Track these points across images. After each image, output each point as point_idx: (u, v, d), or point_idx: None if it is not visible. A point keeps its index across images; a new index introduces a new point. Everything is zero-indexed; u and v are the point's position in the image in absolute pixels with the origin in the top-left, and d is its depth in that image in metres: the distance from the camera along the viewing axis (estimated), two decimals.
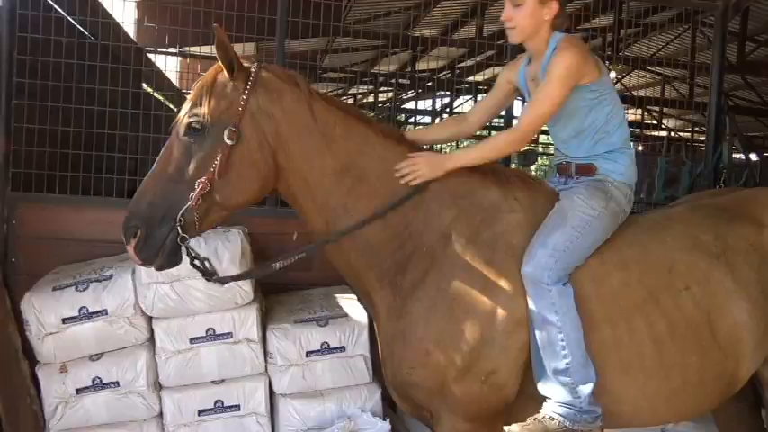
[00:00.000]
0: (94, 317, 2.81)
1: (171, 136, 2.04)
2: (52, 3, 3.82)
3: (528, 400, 2.08)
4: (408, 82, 12.64)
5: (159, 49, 6.22)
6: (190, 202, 1.93)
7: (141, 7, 6.63)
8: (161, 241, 1.96)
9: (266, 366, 3.02)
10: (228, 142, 1.94)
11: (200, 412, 2.93)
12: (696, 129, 14.78)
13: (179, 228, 1.95)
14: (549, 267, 1.99)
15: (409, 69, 11.89)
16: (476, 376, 2.00)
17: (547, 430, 1.98)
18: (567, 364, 1.98)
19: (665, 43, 10.75)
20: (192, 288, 2.87)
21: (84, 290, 2.84)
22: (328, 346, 3.01)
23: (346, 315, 3.11)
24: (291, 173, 2.04)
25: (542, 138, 12.96)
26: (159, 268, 2.03)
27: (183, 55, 6.55)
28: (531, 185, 2.27)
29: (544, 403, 2.03)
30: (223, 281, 2.17)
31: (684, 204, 2.57)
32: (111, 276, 2.90)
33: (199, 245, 2.92)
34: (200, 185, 1.93)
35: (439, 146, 3.30)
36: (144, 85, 6.51)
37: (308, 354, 3.00)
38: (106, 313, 2.82)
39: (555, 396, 2.00)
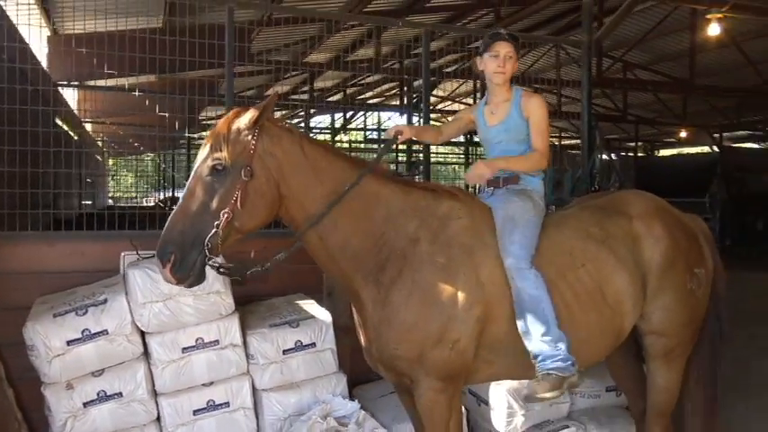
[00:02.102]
0: (96, 337, 3.16)
1: (193, 178, 2.48)
2: None
3: (480, 363, 2.75)
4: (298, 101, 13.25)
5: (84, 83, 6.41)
6: (216, 229, 2.39)
7: (52, 42, 6.79)
8: (192, 263, 2.41)
9: (248, 366, 3.49)
10: (245, 179, 2.44)
11: (195, 412, 3.35)
12: (564, 135, 16.47)
13: (206, 251, 2.41)
14: (523, 257, 2.68)
15: (308, 88, 12.48)
16: (445, 345, 2.63)
17: (550, 383, 2.65)
18: (547, 327, 2.66)
19: (535, 59, 12.10)
20: (182, 304, 3.30)
21: (84, 314, 3.18)
22: (301, 343, 3.54)
23: (313, 316, 3.65)
24: (291, 200, 2.58)
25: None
26: (189, 286, 2.47)
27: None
28: (466, 197, 2.97)
29: (536, 364, 2.68)
30: (243, 280, 2.64)
31: (576, 206, 3.38)
32: (105, 300, 3.25)
33: None
34: (226, 215, 2.41)
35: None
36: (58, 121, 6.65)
37: (285, 352, 3.51)
38: (107, 333, 3.18)
39: (543, 353, 2.67)
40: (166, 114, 5.42)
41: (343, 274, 2.70)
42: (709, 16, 5.95)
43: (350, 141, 16.09)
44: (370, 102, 15.66)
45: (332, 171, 2.66)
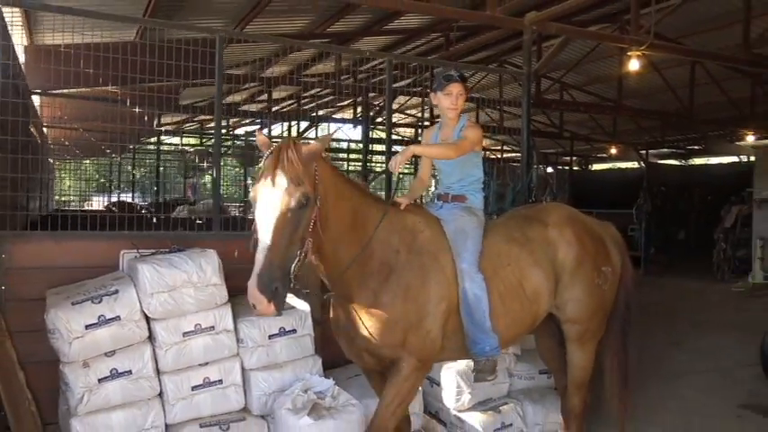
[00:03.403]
0: (110, 322, 3.66)
1: (277, 214, 2.67)
2: None
3: (443, 351, 3.43)
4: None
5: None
6: (299, 257, 2.74)
7: (29, 51, 7.11)
8: (286, 293, 2.75)
9: (239, 349, 4.05)
10: (318, 206, 2.81)
11: (193, 388, 3.87)
12: (506, 147, 17.44)
13: (292, 278, 2.72)
14: (473, 262, 3.34)
15: (265, 98, 12.97)
16: (422, 332, 3.25)
17: (489, 367, 3.40)
18: (483, 320, 3.32)
19: (481, 78, 12.95)
20: (184, 295, 3.83)
21: (99, 302, 3.67)
22: (284, 330, 4.12)
23: (293, 307, 4.23)
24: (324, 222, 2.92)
25: None
26: (279, 314, 2.75)
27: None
28: (421, 211, 3.60)
29: (475, 351, 3.38)
30: (317, 321, 3.30)
31: (505, 216, 4.12)
32: (117, 291, 3.75)
33: (186, 262, 3.92)
34: (309, 242, 2.80)
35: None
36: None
37: (270, 337, 4.08)
38: (119, 319, 3.68)
39: (484, 343, 3.36)
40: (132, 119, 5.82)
41: (347, 284, 3.18)
42: (629, 53, 6.84)
43: None
44: (321, 113, 16.25)
45: (363, 210, 3.17)
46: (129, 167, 16.17)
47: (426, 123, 12.44)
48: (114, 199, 16.48)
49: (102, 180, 17.79)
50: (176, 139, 16.66)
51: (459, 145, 3.49)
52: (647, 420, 5.50)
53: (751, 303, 10.20)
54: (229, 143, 16.03)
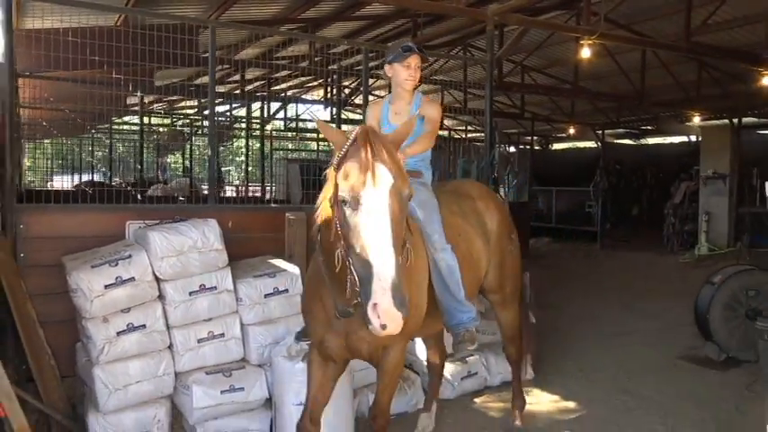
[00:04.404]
0: (126, 283, 4.13)
1: (395, 219, 2.36)
2: None
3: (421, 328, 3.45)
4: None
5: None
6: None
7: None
8: None
9: (238, 307, 4.57)
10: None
11: (199, 341, 4.39)
12: (470, 128, 18.07)
13: None
14: (443, 234, 3.44)
15: (238, 79, 13.30)
16: (418, 312, 3.18)
17: (469, 335, 3.47)
18: (459, 290, 3.43)
19: (444, 61, 13.50)
20: (191, 258, 4.34)
21: (116, 265, 4.15)
22: (278, 289, 4.64)
23: (285, 269, 4.76)
24: None
25: None
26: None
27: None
28: None
29: (454, 323, 3.46)
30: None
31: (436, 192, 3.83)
32: (130, 255, 4.23)
33: (191, 229, 4.41)
34: (409, 245, 2.67)
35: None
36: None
37: (265, 296, 4.60)
38: (134, 279, 4.16)
39: (462, 314, 3.42)
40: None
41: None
42: (582, 42, 7.47)
43: (271, 130, 16.95)
44: (290, 93, 16.61)
45: None
46: (93, 148, 16.28)
47: None
48: (85, 179, 16.63)
49: (70, 159, 17.80)
50: (146, 120, 16.81)
51: (431, 132, 3.47)
52: (594, 369, 6.24)
53: (696, 273, 11.06)
54: (200, 123, 16.32)
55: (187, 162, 17.93)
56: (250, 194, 14.70)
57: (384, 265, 2.25)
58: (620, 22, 9.81)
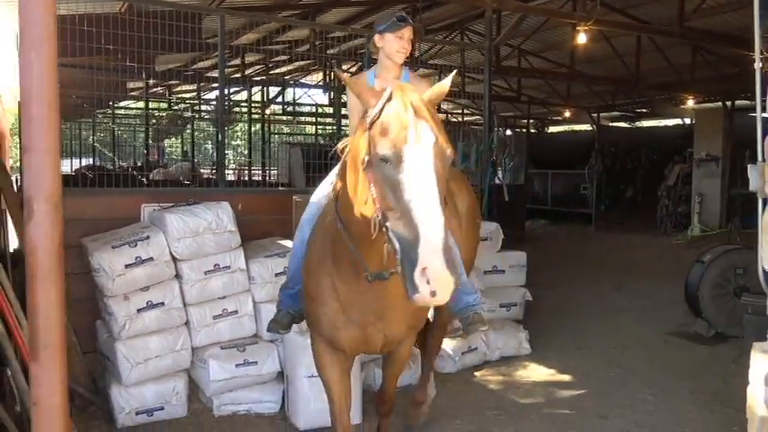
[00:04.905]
0: (145, 263, 4.36)
1: (439, 179, 2.10)
2: None
3: None
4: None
5: None
6: None
7: None
8: None
9: (250, 285, 4.80)
10: None
11: (214, 317, 4.63)
12: (466, 111, 18.25)
13: None
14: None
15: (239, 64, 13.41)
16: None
17: (477, 316, 3.35)
18: (464, 272, 3.41)
19: (441, 45, 13.64)
20: (206, 239, 4.56)
21: (135, 246, 4.36)
22: (288, 269, 4.86)
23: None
24: None
25: None
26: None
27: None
28: None
29: (460, 307, 3.37)
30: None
31: None
32: (148, 237, 4.44)
33: (205, 212, 4.62)
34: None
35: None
36: None
37: (276, 275, 4.83)
38: (152, 259, 4.38)
39: (467, 296, 3.36)
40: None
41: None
42: (578, 28, 7.65)
43: (270, 114, 17.09)
44: (290, 78, 16.73)
45: None
46: (94, 134, 16.41)
47: None
48: (85, 163, 16.78)
49: (71, 143, 17.94)
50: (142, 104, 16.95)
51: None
52: (588, 344, 6.51)
53: (688, 253, 11.32)
54: (203, 107, 16.45)
55: (185, 146, 18.10)
56: (252, 178, 14.90)
57: (434, 225, 1.99)
58: (616, 6, 9.98)
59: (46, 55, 1.85)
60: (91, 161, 17.38)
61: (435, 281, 1.93)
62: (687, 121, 18.32)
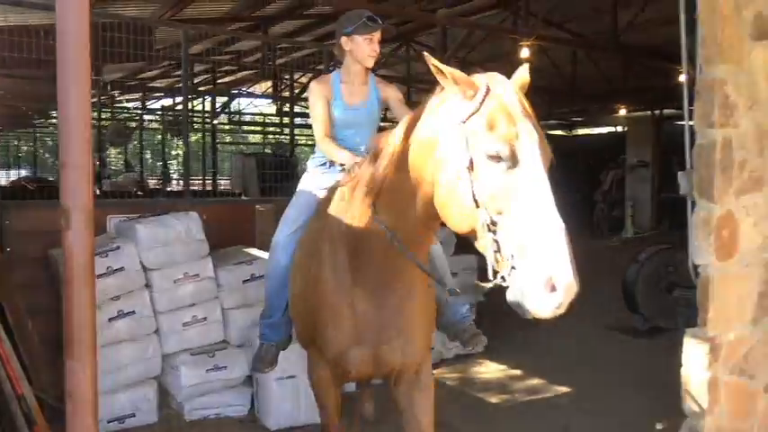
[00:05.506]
0: (116, 272, 4.46)
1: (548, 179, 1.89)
2: None
3: None
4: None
5: None
6: None
7: None
8: None
9: (218, 293, 4.94)
10: None
11: (184, 325, 4.75)
12: None
13: None
14: None
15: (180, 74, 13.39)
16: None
17: (471, 328, 3.17)
18: (451, 279, 3.18)
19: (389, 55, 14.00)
20: (176, 248, 4.69)
21: (106, 256, 4.45)
22: (254, 275, 5.02)
23: (260, 258, 5.16)
24: None
25: None
26: None
27: None
28: None
29: (457, 318, 3.16)
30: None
31: None
32: (119, 247, 4.54)
33: (174, 222, 4.75)
34: None
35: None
36: None
37: (243, 282, 4.99)
38: (123, 269, 4.48)
39: (461, 306, 3.20)
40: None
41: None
42: (521, 44, 8.12)
43: (216, 124, 17.08)
44: (237, 88, 16.75)
45: None
46: (36, 143, 16.03)
47: None
48: (21, 174, 16.34)
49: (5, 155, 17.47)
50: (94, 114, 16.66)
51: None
52: (535, 341, 6.91)
53: (623, 255, 11.97)
54: (147, 117, 16.27)
55: (128, 157, 17.88)
56: (196, 189, 14.86)
57: (558, 231, 1.78)
58: (553, 20, 10.53)
59: None
60: (24, 172, 16.97)
61: (566, 291, 1.75)
62: (620, 128, 19.28)
